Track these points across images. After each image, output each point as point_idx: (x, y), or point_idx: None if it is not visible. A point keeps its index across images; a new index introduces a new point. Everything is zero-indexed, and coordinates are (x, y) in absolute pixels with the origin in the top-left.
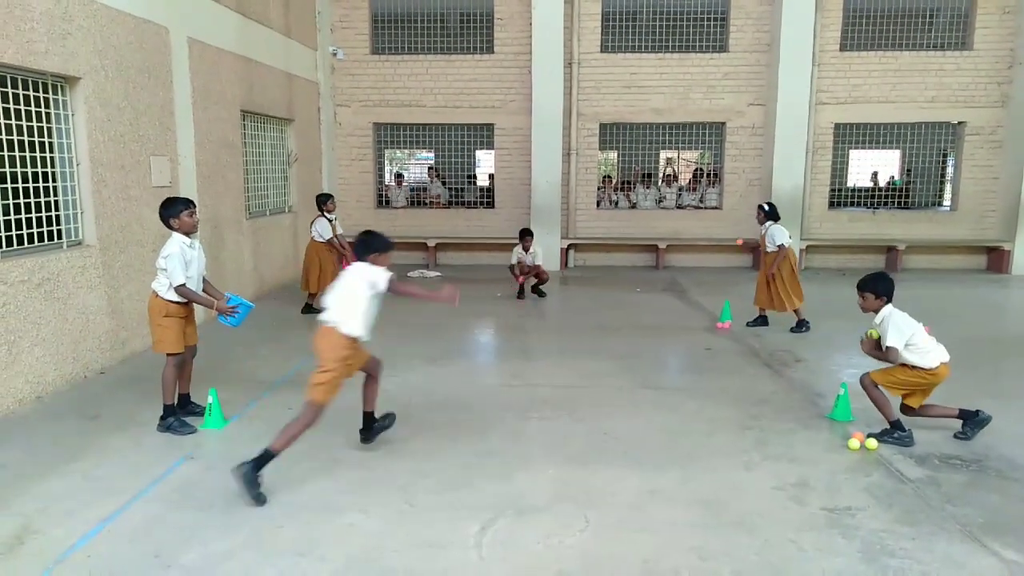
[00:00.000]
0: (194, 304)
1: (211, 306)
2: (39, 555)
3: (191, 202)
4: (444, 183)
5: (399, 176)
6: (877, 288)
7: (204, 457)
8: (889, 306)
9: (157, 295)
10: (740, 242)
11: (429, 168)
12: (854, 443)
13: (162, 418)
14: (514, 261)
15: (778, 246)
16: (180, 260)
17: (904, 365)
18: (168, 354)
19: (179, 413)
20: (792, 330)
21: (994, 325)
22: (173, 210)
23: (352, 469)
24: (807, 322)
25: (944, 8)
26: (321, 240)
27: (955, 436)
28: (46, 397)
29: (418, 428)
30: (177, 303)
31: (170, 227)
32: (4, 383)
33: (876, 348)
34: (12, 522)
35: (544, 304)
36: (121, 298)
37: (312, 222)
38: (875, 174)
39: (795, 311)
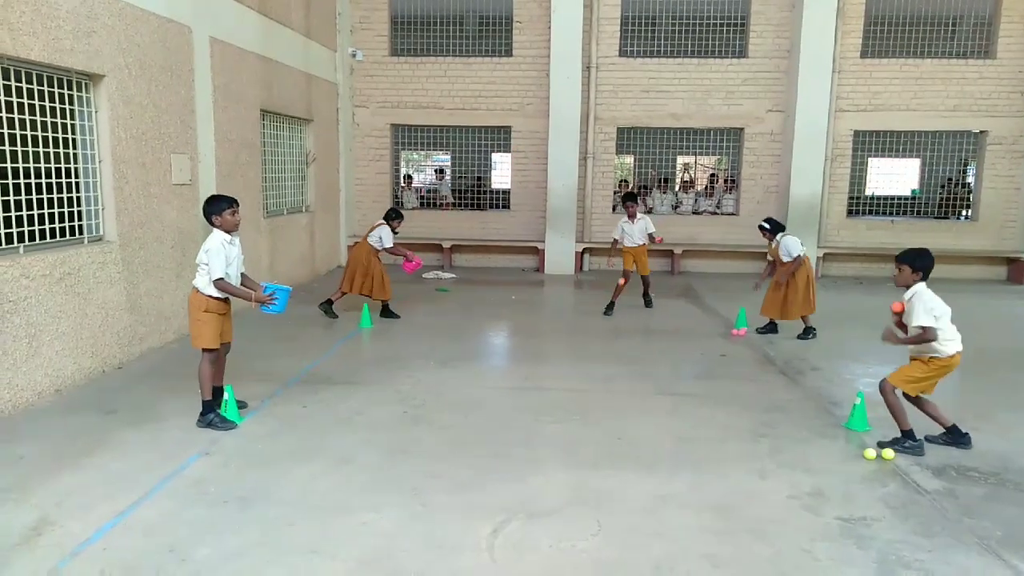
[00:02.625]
0: (231, 301)
1: (249, 298)
2: (55, 547)
3: (235, 201)
4: (453, 186)
5: (408, 178)
6: (915, 262)
7: (219, 453)
8: (922, 284)
9: (198, 291)
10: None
11: (437, 170)
12: (870, 452)
13: (202, 414)
14: (617, 235)
15: (794, 257)
16: (221, 255)
17: (918, 360)
18: (204, 349)
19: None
20: (799, 337)
21: (1013, 336)
22: (216, 207)
23: (365, 469)
24: (814, 329)
25: (967, 16)
26: (380, 247)
27: (927, 438)
28: (65, 391)
29: (431, 430)
30: (217, 299)
31: (212, 224)
32: (24, 376)
33: (897, 331)
34: (29, 514)
35: (558, 308)
36: (140, 294)
37: (374, 228)
38: (949, 180)
39: (803, 318)
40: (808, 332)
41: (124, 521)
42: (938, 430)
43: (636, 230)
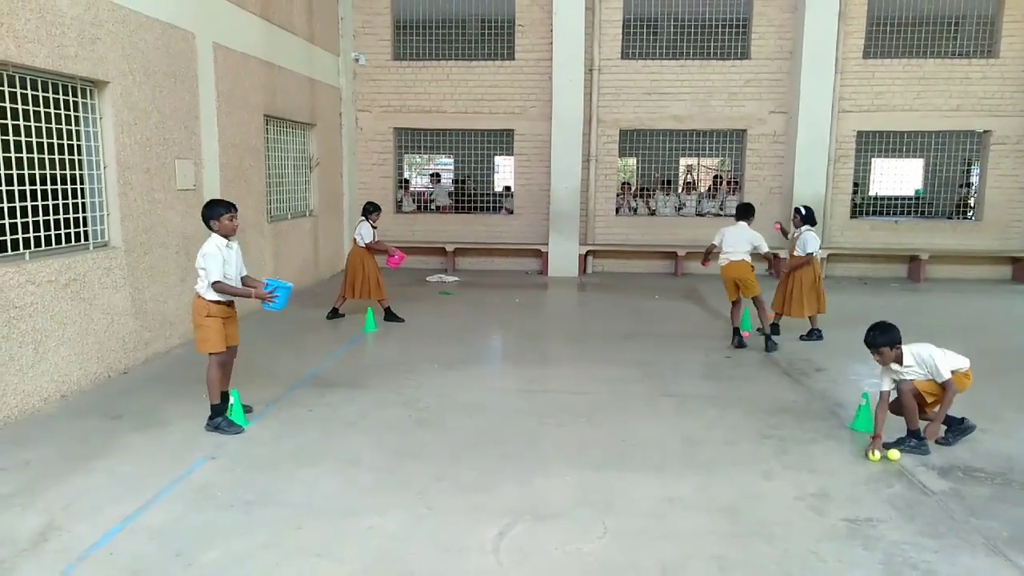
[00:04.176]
0: (236, 305)
1: (249, 295)
2: (63, 552)
3: (233, 206)
4: (452, 191)
5: (406, 182)
6: (888, 339)
7: (225, 457)
8: (913, 348)
9: (199, 296)
10: (777, 226)
11: (432, 175)
12: (875, 454)
13: (210, 418)
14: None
15: (807, 253)
16: (218, 258)
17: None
18: (211, 353)
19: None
20: (802, 337)
21: (1019, 336)
22: (214, 212)
23: (371, 472)
24: (819, 331)
25: (969, 16)
26: (363, 244)
27: (936, 442)
28: (70, 396)
29: (437, 432)
30: (219, 303)
31: (210, 228)
32: (30, 382)
33: (939, 424)
34: (36, 519)
35: (562, 311)
36: (145, 299)
37: (356, 227)
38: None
39: (810, 318)
40: (812, 334)
41: (131, 525)
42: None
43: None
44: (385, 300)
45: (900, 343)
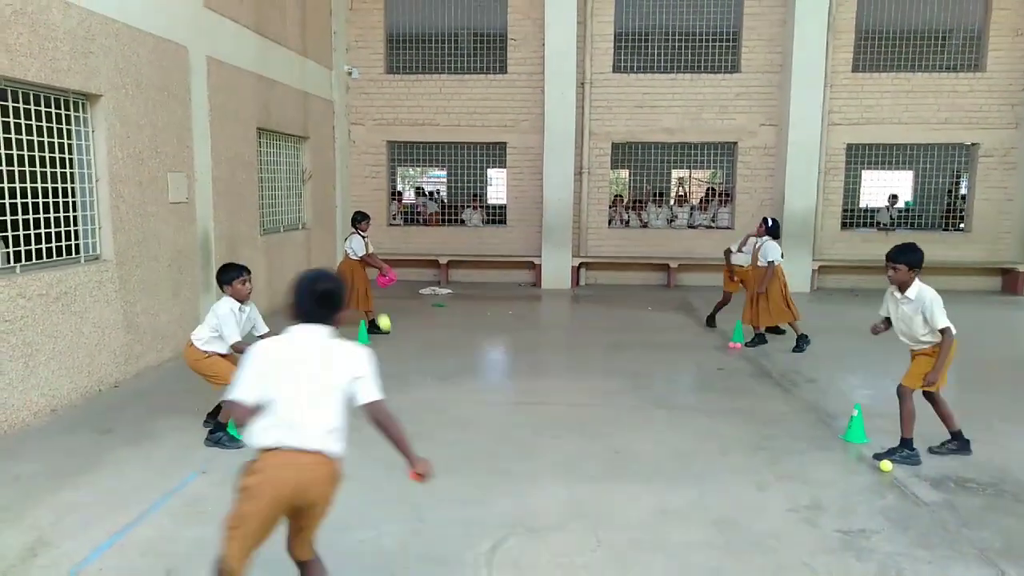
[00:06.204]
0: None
1: None
2: (52, 568)
3: (245, 269)
4: (441, 201)
5: (399, 195)
6: (911, 259)
7: (216, 471)
8: (924, 286)
9: (192, 344)
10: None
11: (417, 189)
12: (887, 464)
13: (211, 432)
14: (733, 248)
15: (768, 262)
16: (232, 320)
17: (922, 354)
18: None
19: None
20: (794, 350)
21: (1010, 347)
22: (227, 276)
23: (364, 485)
24: (806, 337)
25: (957, 29)
26: (355, 257)
27: (930, 450)
28: (61, 410)
29: (430, 446)
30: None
31: (223, 291)
32: (20, 396)
33: (935, 372)
34: (25, 535)
35: (555, 323)
36: (136, 312)
37: (346, 239)
38: (893, 197)
39: (792, 326)
40: (801, 341)
41: (121, 541)
42: (939, 440)
43: (749, 247)
44: (372, 313)
45: (917, 268)
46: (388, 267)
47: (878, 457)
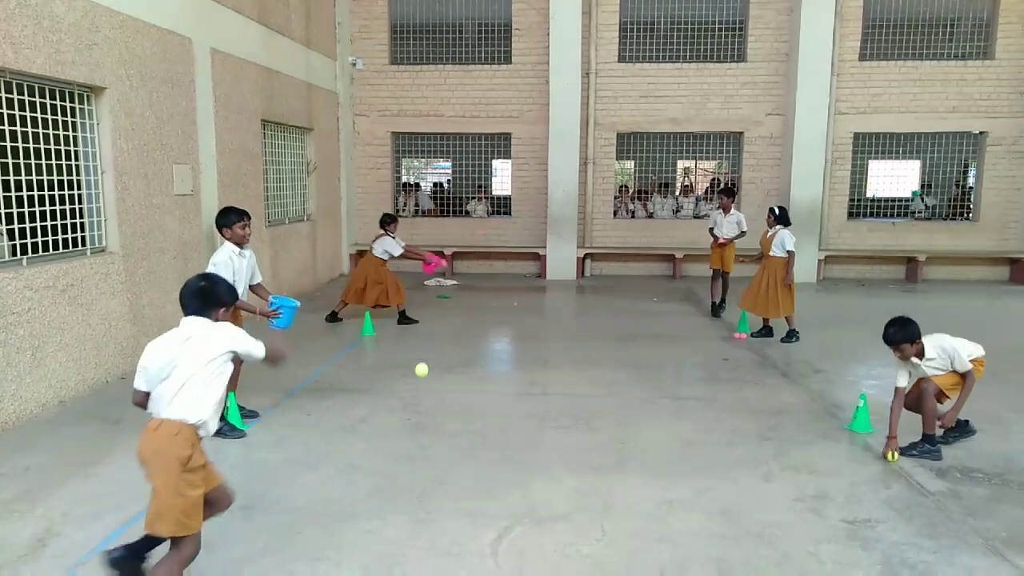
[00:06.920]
0: (242, 313)
1: (254, 311)
2: (61, 558)
3: (245, 214)
4: (453, 193)
5: (407, 186)
6: (909, 334)
7: (222, 462)
8: (933, 339)
9: None
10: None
11: (409, 184)
12: (895, 455)
13: None
14: (711, 225)
15: (788, 252)
16: (228, 268)
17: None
18: None
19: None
20: (783, 340)
21: (1018, 337)
22: (226, 220)
23: (369, 476)
24: (796, 332)
25: (965, 17)
26: (387, 258)
27: (936, 439)
28: (68, 402)
29: (435, 436)
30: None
31: (222, 235)
32: (28, 387)
33: (944, 395)
34: (35, 525)
35: (560, 314)
36: (143, 304)
37: (375, 241)
38: (925, 186)
39: (786, 319)
40: (791, 335)
41: (130, 531)
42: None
43: (726, 223)
44: (403, 304)
45: (920, 337)
46: (429, 254)
47: (903, 452)
